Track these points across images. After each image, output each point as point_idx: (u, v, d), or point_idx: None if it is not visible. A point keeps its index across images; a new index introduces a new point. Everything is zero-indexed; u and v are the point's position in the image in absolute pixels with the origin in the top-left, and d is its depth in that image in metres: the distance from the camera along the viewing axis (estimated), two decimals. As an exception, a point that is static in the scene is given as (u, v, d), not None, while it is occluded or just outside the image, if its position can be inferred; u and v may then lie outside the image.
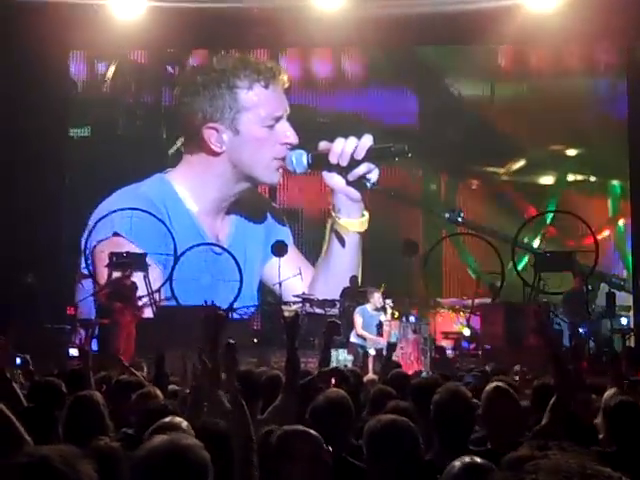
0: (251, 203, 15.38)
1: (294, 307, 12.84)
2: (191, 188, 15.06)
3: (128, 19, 14.73)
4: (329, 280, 14.60)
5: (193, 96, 14.80)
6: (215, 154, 14.75)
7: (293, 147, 14.72)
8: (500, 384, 4.58)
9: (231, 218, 15.26)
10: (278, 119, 14.80)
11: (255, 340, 13.26)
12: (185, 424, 3.75)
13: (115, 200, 14.83)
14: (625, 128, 15.35)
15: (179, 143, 15.40)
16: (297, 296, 14.24)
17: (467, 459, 2.95)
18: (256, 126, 14.72)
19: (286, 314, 12.12)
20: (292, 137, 14.76)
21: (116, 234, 14.46)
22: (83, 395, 4.42)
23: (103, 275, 13.91)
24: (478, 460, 2.97)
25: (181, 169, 15.24)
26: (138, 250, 14.10)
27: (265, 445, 4.14)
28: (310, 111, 16.03)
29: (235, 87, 14.68)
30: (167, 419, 3.79)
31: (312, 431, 3.51)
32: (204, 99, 14.68)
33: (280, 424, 4.35)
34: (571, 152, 15.71)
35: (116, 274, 13.59)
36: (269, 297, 15.05)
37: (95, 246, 14.54)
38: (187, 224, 14.84)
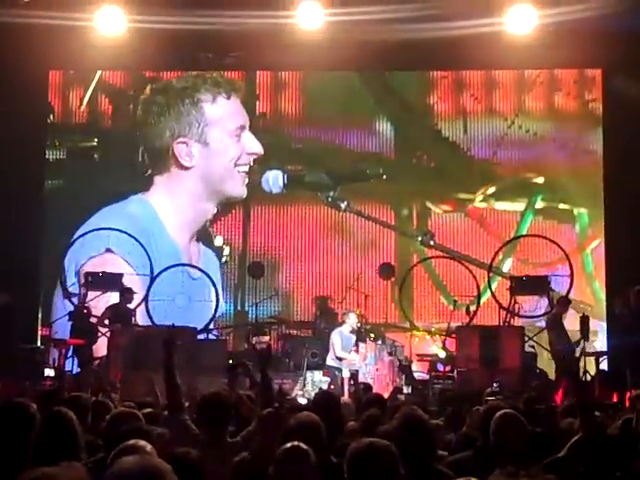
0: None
1: (265, 338, 12.79)
2: (167, 209, 14.95)
3: (108, 40, 14.60)
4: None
5: (158, 116, 14.87)
6: (185, 169, 14.80)
7: (258, 158, 14.89)
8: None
9: (200, 246, 15.20)
10: (243, 129, 14.95)
11: (230, 361, 13.23)
12: (149, 447, 3.71)
13: (100, 218, 14.67)
14: (596, 156, 15.41)
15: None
16: (272, 317, 14.28)
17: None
18: (225, 137, 14.86)
19: (256, 345, 12.11)
20: (257, 147, 14.93)
21: (109, 250, 14.33)
22: (57, 412, 4.28)
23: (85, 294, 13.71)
24: None
25: (154, 191, 15.10)
26: (130, 268, 14.01)
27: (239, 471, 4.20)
28: (283, 139, 15.79)
29: (199, 101, 14.88)
30: (131, 442, 3.78)
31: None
32: (170, 117, 14.80)
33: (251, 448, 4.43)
34: (540, 180, 15.75)
35: (92, 294, 13.50)
36: (244, 319, 15.04)
37: (85, 263, 14.33)
38: (167, 245, 14.74)
